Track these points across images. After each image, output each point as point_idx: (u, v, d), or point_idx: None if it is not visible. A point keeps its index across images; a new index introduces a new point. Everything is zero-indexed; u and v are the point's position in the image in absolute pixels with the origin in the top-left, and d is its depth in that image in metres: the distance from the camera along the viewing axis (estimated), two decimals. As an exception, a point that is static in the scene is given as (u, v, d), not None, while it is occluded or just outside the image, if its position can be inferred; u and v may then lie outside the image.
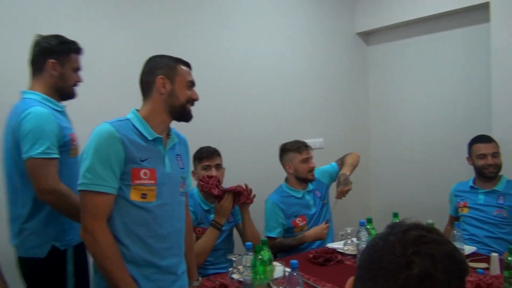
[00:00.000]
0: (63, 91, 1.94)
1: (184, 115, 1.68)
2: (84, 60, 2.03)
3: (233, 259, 1.97)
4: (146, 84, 1.65)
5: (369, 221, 2.28)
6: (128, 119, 1.61)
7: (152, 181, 1.58)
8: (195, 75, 1.74)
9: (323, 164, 3.19)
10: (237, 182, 2.43)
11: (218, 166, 2.46)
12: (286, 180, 2.79)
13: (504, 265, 1.83)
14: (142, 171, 1.56)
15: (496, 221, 2.54)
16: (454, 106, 3.37)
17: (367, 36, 3.98)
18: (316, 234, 2.58)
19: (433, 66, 3.49)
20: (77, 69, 1.97)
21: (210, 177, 2.37)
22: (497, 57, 2.89)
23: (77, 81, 1.98)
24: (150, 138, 1.60)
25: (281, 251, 2.63)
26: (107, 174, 1.49)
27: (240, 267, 1.92)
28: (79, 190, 1.52)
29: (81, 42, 2.01)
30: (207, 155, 2.44)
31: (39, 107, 1.79)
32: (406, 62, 3.69)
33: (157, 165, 1.61)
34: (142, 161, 1.56)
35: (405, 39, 3.68)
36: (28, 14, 2.49)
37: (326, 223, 2.65)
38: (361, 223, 2.21)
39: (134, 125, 1.59)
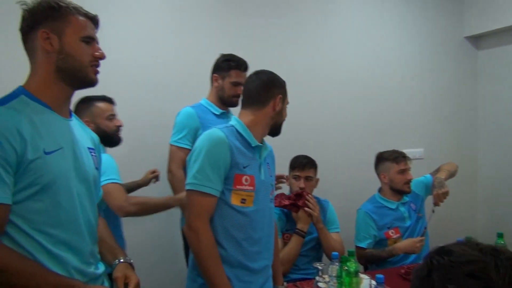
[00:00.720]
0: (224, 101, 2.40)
1: (277, 131, 1.80)
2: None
3: (319, 267, 1.96)
4: (263, 97, 1.73)
5: (500, 236, 2.09)
6: (232, 126, 1.70)
7: (251, 187, 1.66)
8: (293, 84, 1.80)
9: (422, 175, 3.03)
10: (331, 191, 2.42)
11: (308, 179, 2.48)
12: (380, 190, 2.70)
13: None
14: (244, 177, 1.64)
15: None
16: None
17: (477, 40, 3.69)
18: (407, 247, 2.45)
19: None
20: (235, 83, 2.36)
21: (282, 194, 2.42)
22: None
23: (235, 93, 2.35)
24: (253, 145, 1.69)
25: (370, 262, 2.56)
26: (215, 177, 1.59)
27: (326, 276, 1.92)
28: (188, 190, 1.62)
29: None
30: (299, 166, 2.48)
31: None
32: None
33: (255, 172, 1.69)
34: (244, 167, 1.65)
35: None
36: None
37: (421, 236, 2.52)
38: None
39: (238, 132, 1.68)
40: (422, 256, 2.49)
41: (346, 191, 3.16)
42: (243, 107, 1.78)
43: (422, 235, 2.53)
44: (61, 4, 1.23)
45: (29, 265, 1.12)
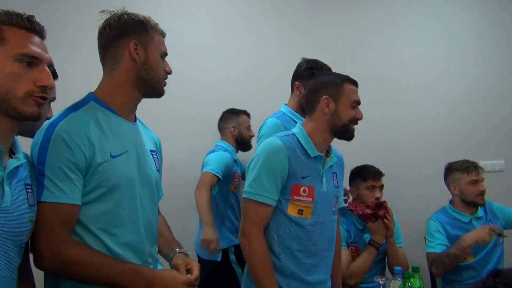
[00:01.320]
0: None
1: (346, 135, 1.70)
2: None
3: (380, 282, 1.89)
4: (311, 102, 1.71)
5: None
6: (294, 134, 1.69)
7: (310, 199, 1.63)
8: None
9: (502, 189, 2.82)
10: (397, 203, 2.32)
11: (382, 188, 2.41)
12: (451, 202, 2.54)
13: None
14: (302, 188, 1.62)
15: None
16: None
17: None
18: (477, 234, 2.25)
19: None
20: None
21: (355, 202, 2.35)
22: None
23: None
24: (312, 155, 1.65)
25: (446, 269, 2.35)
26: (271, 186, 1.58)
27: (387, 291, 1.83)
28: (244, 197, 1.64)
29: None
30: (374, 176, 2.41)
31: None
32: None
33: (316, 183, 1.65)
34: (303, 178, 1.62)
35: None
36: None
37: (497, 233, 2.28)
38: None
39: (299, 141, 1.66)
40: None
41: (412, 204, 3.00)
42: (306, 113, 1.76)
43: (499, 234, 2.30)
44: (148, 20, 1.32)
45: (97, 256, 1.18)
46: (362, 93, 1.71)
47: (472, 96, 3.20)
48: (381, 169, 2.45)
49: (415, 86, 3.13)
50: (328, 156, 1.72)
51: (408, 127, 3.12)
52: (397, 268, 1.84)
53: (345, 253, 2.20)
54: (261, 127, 2.13)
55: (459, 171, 2.46)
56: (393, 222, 2.29)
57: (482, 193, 2.41)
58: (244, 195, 1.63)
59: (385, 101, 3.09)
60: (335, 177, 1.75)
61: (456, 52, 3.18)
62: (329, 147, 1.74)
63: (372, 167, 2.45)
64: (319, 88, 1.68)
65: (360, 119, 1.69)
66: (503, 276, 0.75)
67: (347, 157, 1.89)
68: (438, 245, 2.39)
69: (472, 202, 2.43)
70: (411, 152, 3.11)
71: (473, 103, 3.20)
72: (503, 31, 3.24)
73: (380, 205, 2.29)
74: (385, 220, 2.26)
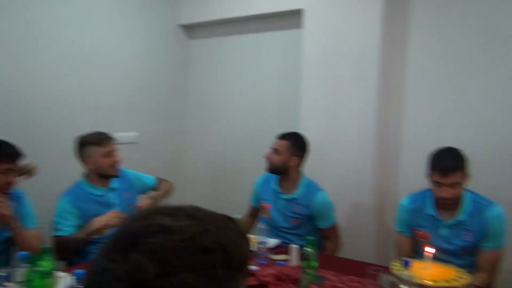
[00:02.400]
0: None
1: None
2: None
3: (2, 274, 1.59)
4: None
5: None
6: None
7: None
8: None
9: (136, 160, 2.95)
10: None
11: None
12: (85, 176, 2.44)
13: (302, 255, 1.87)
14: None
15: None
16: (268, 105, 3.47)
17: (191, 29, 3.86)
18: (106, 218, 2.24)
19: (252, 66, 3.55)
20: None
21: None
22: (307, 61, 3.06)
23: None
24: None
25: (68, 253, 2.26)
26: None
27: (10, 284, 1.56)
28: None
29: None
30: None
31: None
32: (228, 59, 3.68)
33: None
34: None
35: (228, 36, 3.67)
36: None
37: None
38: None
39: None
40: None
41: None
42: None
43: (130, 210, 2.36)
44: None
45: None
46: None
47: (106, 72, 3.22)
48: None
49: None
50: None
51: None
52: (21, 253, 1.59)
53: None
54: None
55: (93, 144, 2.36)
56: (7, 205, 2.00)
57: (115, 163, 2.42)
58: None
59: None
60: None
61: (100, 26, 3.10)
62: None
63: None
64: None
65: None
66: (178, 230, 0.60)
67: None
68: (64, 226, 2.27)
69: (107, 175, 2.41)
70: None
71: (107, 79, 3.22)
72: (148, 4, 3.40)
73: None
74: None
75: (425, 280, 1.79)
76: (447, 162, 2.10)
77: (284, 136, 2.58)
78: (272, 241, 2.35)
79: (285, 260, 2.16)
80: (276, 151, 2.54)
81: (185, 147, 3.90)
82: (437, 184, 2.10)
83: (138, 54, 3.44)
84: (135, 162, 2.80)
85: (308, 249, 1.85)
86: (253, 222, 2.69)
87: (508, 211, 2.18)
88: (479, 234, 2.13)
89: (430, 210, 2.21)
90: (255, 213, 2.74)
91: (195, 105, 3.88)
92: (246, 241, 0.66)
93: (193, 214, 0.63)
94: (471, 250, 2.16)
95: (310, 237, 1.88)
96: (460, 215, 2.15)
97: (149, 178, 2.68)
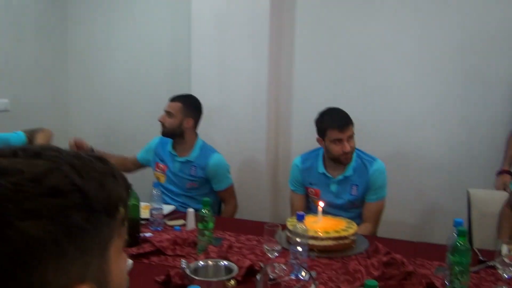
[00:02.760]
0: None
1: None
2: None
3: None
4: None
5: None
6: None
7: None
8: None
9: (10, 130, 2.62)
10: None
11: None
12: None
13: (198, 218, 1.83)
14: None
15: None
16: (159, 68, 3.32)
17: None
18: None
19: (140, 26, 3.34)
20: None
21: None
22: (198, 25, 2.93)
23: None
24: None
25: None
26: None
27: None
28: None
29: None
30: None
31: None
32: (112, 18, 3.41)
33: None
34: None
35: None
36: None
37: None
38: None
39: None
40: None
41: None
42: None
43: None
44: None
45: None
46: None
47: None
48: None
49: None
50: None
51: None
52: None
53: None
54: None
55: None
56: None
57: None
58: None
59: None
60: None
61: None
62: None
63: None
64: None
65: None
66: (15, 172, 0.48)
67: None
68: None
69: None
70: None
71: None
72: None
73: None
74: None
75: (318, 232, 1.87)
76: (342, 117, 2.21)
77: (176, 98, 2.49)
78: (167, 207, 2.27)
79: (182, 225, 2.10)
80: (169, 113, 2.44)
81: (69, 113, 3.58)
82: (337, 141, 2.19)
83: (5, 8, 3.01)
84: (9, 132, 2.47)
85: (205, 211, 1.80)
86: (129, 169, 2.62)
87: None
88: (364, 187, 2.28)
89: (321, 168, 2.31)
90: (139, 166, 2.67)
91: (78, 67, 3.55)
92: (118, 181, 0.55)
93: (39, 153, 0.51)
94: (358, 203, 2.32)
95: (206, 199, 1.84)
96: (347, 171, 2.27)
97: (17, 136, 2.35)
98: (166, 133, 2.46)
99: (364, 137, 2.42)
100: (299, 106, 2.99)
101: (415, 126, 2.82)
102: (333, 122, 2.21)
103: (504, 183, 2.45)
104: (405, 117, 2.83)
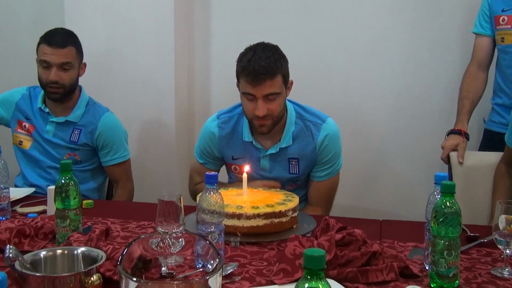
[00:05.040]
0: None
1: None
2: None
3: None
4: None
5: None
6: None
7: None
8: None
9: None
10: None
11: None
12: None
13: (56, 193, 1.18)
14: None
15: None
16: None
17: None
18: None
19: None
20: None
21: None
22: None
23: None
24: None
25: None
26: None
27: None
28: None
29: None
30: None
31: None
32: None
33: None
34: None
35: None
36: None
37: None
38: None
39: None
40: None
41: None
42: None
43: None
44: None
45: None
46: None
47: None
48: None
49: None
50: None
51: None
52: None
53: None
54: None
55: None
56: None
57: None
58: None
59: None
60: None
61: None
62: None
63: None
64: None
65: None
66: None
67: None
68: None
69: None
70: None
71: None
72: None
73: None
74: None
75: (242, 207, 1.29)
76: (254, 64, 1.48)
77: (66, 41, 1.79)
78: (21, 191, 1.62)
79: (40, 212, 1.43)
80: (66, 65, 1.77)
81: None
82: (249, 96, 1.53)
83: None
84: None
85: (64, 180, 1.16)
86: None
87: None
88: (308, 162, 1.66)
89: (247, 135, 1.64)
90: None
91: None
92: None
93: None
94: (301, 183, 1.71)
95: (67, 161, 1.19)
96: (284, 140, 1.64)
97: None
98: (65, 94, 1.79)
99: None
100: (219, 48, 2.37)
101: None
102: (245, 67, 1.50)
103: (458, 144, 1.81)
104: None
